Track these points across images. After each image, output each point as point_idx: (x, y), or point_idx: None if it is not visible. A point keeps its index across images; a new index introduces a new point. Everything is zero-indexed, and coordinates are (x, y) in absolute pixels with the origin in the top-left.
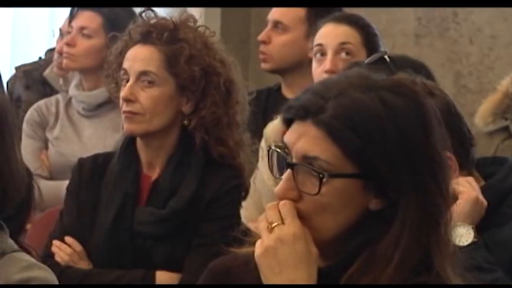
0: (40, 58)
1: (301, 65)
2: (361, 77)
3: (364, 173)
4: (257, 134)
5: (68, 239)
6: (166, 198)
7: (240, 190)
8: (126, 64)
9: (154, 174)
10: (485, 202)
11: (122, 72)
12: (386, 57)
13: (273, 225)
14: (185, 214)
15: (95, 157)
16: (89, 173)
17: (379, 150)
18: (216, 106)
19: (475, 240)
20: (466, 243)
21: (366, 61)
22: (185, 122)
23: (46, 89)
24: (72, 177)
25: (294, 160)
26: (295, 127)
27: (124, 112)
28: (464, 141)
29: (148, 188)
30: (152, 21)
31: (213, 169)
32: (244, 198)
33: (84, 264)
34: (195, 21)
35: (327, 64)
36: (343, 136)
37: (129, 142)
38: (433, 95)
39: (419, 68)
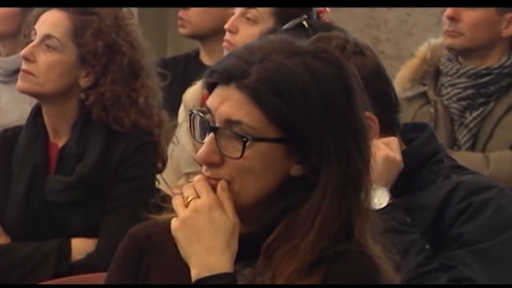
0: None
1: (220, 31)
2: (284, 43)
3: (287, 138)
4: (176, 100)
5: None
6: (73, 164)
7: (149, 148)
8: (37, 25)
9: (61, 142)
10: (398, 158)
11: (32, 32)
12: (304, 23)
13: (189, 199)
14: (94, 178)
15: (4, 132)
16: None
17: (303, 115)
18: (117, 84)
19: (390, 202)
20: (382, 206)
21: (285, 27)
22: (82, 95)
23: None
24: None
25: (217, 124)
26: (218, 92)
27: (21, 69)
28: (390, 105)
29: (56, 157)
30: None
31: (119, 133)
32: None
33: (1, 239)
34: None
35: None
36: (267, 100)
37: (36, 113)
38: (364, 55)
39: None
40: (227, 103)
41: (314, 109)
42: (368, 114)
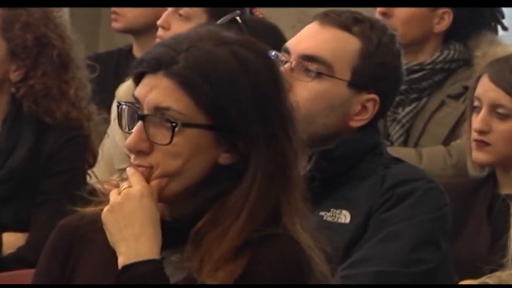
0: None
1: (154, 26)
2: (212, 32)
3: (216, 125)
4: (109, 95)
5: None
6: (4, 159)
7: (80, 142)
8: None
9: None
10: None
11: None
12: (238, 18)
13: (122, 188)
14: (25, 172)
15: None
16: None
17: (231, 101)
18: (47, 77)
19: None
20: None
21: (218, 22)
22: (13, 89)
23: None
24: None
25: (145, 112)
26: (146, 81)
27: None
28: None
29: None
30: None
31: (50, 126)
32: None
33: None
34: None
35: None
36: (195, 86)
37: None
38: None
39: (271, 30)
40: (156, 90)
41: (242, 95)
42: (372, 96)
